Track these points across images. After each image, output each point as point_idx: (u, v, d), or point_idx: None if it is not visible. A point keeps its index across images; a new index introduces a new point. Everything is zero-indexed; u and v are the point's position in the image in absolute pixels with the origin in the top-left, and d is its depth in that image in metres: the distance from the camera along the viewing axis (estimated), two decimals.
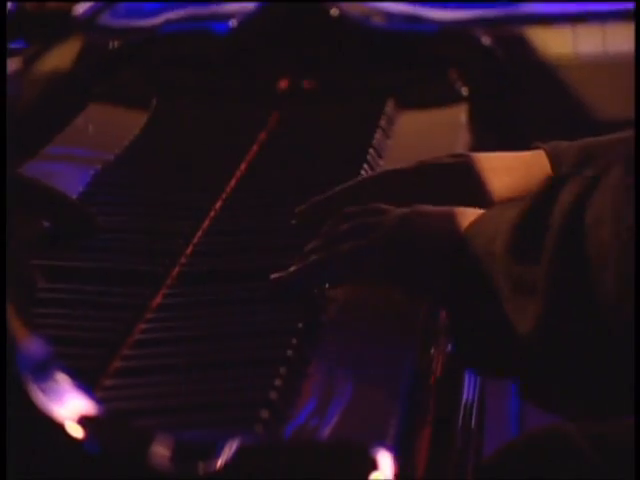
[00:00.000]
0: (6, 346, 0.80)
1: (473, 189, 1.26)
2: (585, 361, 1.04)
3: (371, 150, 1.47)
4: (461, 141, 1.53)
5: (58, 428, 0.82)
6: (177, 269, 1.21)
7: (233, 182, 1.40)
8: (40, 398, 0.82)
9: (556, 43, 1.87)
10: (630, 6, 1.87)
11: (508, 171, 1.27)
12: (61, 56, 1.42)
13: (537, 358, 1.05)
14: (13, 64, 0.85)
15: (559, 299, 1.02)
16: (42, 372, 0.84)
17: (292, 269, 1.15)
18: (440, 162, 1.29)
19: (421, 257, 1.14)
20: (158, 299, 1.15)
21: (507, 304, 1.06)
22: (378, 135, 1.52)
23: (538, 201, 1.08)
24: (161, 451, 0.83)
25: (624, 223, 1.00)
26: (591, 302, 1.01)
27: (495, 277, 1.07)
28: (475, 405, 1.14)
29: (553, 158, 1.26)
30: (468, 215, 1.14)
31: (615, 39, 1.88)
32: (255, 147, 1.49)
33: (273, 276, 1.15)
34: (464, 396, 1.12)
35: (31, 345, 0.84)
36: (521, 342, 1.04)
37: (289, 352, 1.03)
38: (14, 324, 0.82)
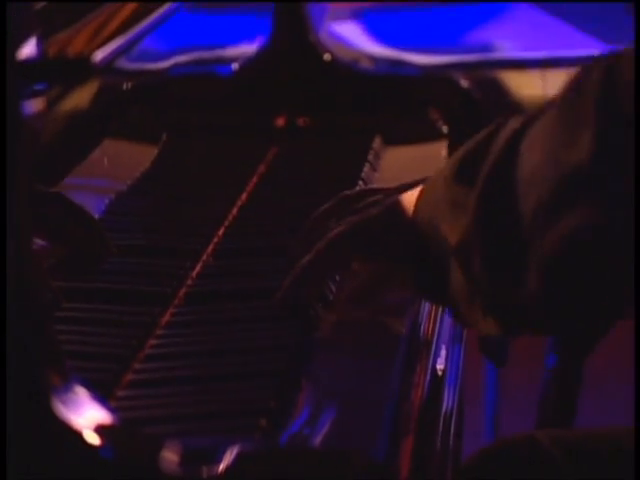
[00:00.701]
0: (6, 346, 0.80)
1: None
2: (503, 274, 1.02)
3: (360, 182, 1.47)
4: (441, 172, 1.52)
5: (76, 436, 0.82)
6: (184, 290, 1.20)
7: (235, 210, 1.40)
8: (60, 409, 0.82)
9: (527, 86, 1.88)
10: (595, 53, 1.87)
11: None
12: (80, 96, 1.43)
13: (462, 271, 1.05)
14: (37, 104, 0.85)
15: (486, 214, 1.02)
16: (62, 385, 0.83)
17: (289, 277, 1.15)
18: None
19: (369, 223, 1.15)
20: (166, 317, 1.15)
21: (443, 223, 1.06)
22: (366, 169, 1.52)
23: (482, 137, 1.09)
24: (170, 456, 0.83)
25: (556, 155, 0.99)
26: (514, 221, 1.00)
27: (439, 201, 1.08)
28: (454, 414, 1.14)
29: None
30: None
31: None
32: (255, 179, 1.50)
33: (277, 295, 1.14)
34: (444, 405, 1.11)
35: (53, 362, 0.84)
36: (450, 255, 1.05)
37: (285, 366, 1.03)
38: (36, 342, 0.82)
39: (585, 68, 1.03)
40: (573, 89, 1.02)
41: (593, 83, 0.99)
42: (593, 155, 0.96)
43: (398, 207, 1.14)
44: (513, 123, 1.06)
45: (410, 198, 1.13)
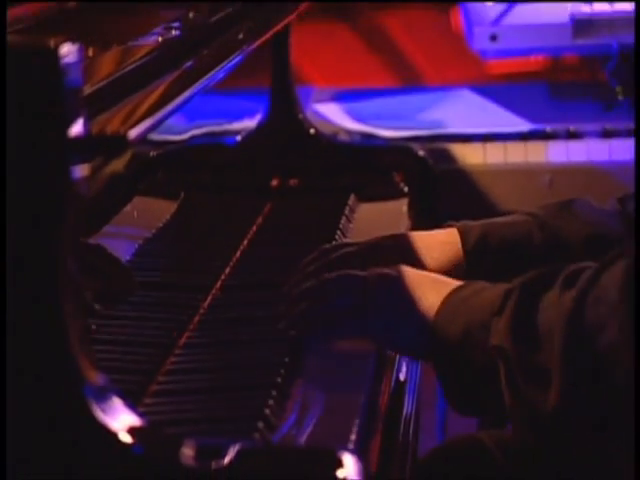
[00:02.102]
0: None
1: (413, 259, 1.22)
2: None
3: (338, 231, 1.46)
4: (402, 225, 1.52)
5: (113, 436, 0.83)
6: (197, 317, 1.20)
7: (238, 254, 1.39)
8: (100, 414, 0.83)
9: (470, 155, 1.89)
10: (525, 130, 1.89)
11: (435, 245, 1.25)
12: (117, 162, 1.44)
13: (557, 429, 0.95)
14: (83, 170, 0.85)
15: (575, 386, 0.92)
16: (101, 395, 0.84)
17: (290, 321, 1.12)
18: (386, 241, 1.27)
19: (400, 321, 1.07)
20: (183, 339, 1.14)
21: (519, 386, 0.95)
22: (343, 221, 1.51)
23: (525, 297, 0.98)
24: (187, 452, 0.83)
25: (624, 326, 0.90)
26: (601, 390, 0.92)
27: (502, 369, 0.97)
28: (412, 418, 1.13)
29: (463, 234, 1.25)
30: (445, 285, 1.06)
31: (514, 153, 1.89)
32: (254, 228, 1.49)
33: (280, 325, 1.13)
34: (404, 410, 1.11)
35: (94, 376, 0.84)
36: (544, 416, 0.94)
37: (278, 379, 1.03)
38: (82, 362, 0.82)
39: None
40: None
41: None
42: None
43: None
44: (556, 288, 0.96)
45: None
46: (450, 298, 1.04)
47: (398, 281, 1.08)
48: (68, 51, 0.81)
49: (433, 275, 1.10)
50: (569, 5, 1.96)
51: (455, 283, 1.06)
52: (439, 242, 1.25)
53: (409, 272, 1.09)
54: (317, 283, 1.12)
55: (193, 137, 1.68)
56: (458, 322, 1.01)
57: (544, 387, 0.93)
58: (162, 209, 1.53)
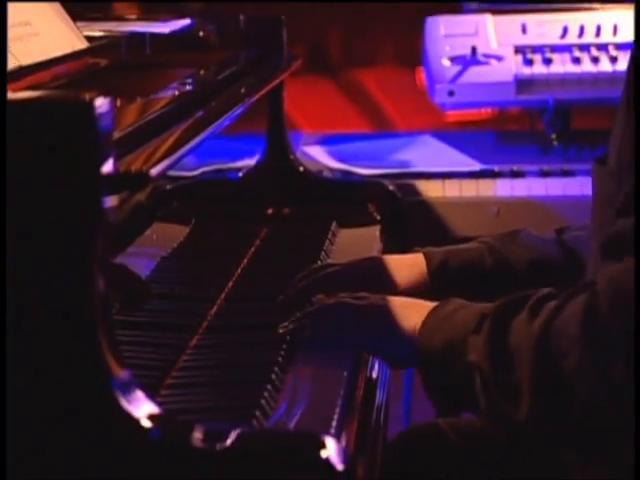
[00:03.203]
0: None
1: (386, 278, 1.23)
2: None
3: (322, 252, 1.46)
4: (375, 247, 1.51)
5: (135, 422, 0.82)
6: (205, 323, 1.19)
7: (239, 270, 1.38)
8: (125, 404, 0.82)
9: (432, 190, 1.88)
10: (476, 169, 1.89)
11: (404, 267, 1.25)
12: (140, 194, 1.43)
13: (529, 434, 0.95)
14: (112, 201, 0.85)
15: (542, 400, 0.92)
16: (126, 388, 0.83)
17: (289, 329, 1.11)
18: (364, 263, 1.27)
19: (389, 338, 1.06)
20: (194, 341, 1.14)
21: (493, 398, 0.94)
22: (327, 243, 1.50)
23: (498, 320, 0.96)
24: (196, 435, 0.82)
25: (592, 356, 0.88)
26: (565, 404, 0.91)
27: (478, 382, 0.96)
28: (383, 408, 1.12)
29: (427, 258, 1.25)
30: (425, 307, 1.05)
31: (467, 189, 1.89)
32: (253, 249, 1.48)
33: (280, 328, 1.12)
34: (377, 402, 1.10)
35: (120, 372, 0.84)
36: (516, 425, 0.93)
37: (272, 376, 1.02)
38: (110, 359, 0.82)
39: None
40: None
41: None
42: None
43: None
44: (525, 311, 0.94)
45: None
46: (431, 316, 1.03)
47: (385, 306, 1.08)
48: (101, 103, 0.81)
49: (414, 300, 1.09)
50: (513, 67, 1.97)
51: (433, 304, 1.06)
52: (408, 264, 1.25)
53: (393, 299, 1.09)
54: (320, 308, 1.12)
55: (203, 173, 1.67)
56: (439, 337, 1.01)
57: (516, 400, 0.92)
58: (176, 233, 1.51)
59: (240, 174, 1.67)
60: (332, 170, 1.90)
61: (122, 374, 0.83)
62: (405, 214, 1.65)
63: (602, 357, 0.87)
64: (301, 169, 1.66)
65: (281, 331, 1.12)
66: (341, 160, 2.00)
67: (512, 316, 0.95)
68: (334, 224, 1.59)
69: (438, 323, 1.02)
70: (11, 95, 0.84)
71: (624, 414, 0.88)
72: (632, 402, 0.87)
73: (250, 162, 1.67)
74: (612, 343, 0.87)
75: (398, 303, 1.08)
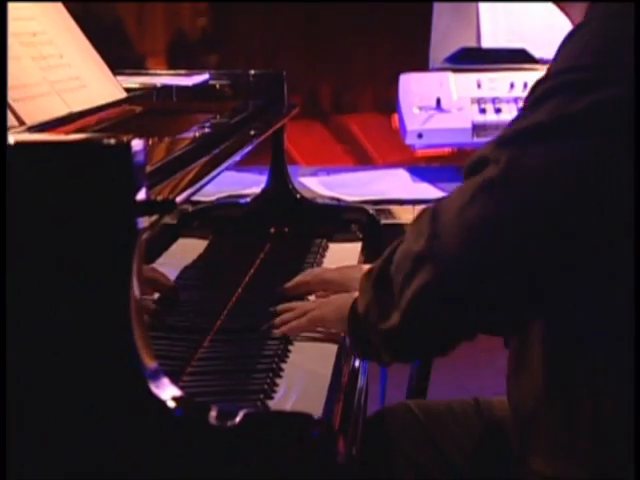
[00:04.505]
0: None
1: None
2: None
3: (315, 263, 1.46)
4: (357, 260, 1.52)
5: (162, 403, 0.82)
6: (219, 322, 1.17)
7: (247, 279, 1.37)
8: (154, 388, 0.82)
9: (404, 214, 1.88)
10: (440, 197, 1.87)
11: None
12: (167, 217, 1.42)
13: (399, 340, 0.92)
14: (145, 222, 0.85)
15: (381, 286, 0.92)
16: (155, 376, 0.83)
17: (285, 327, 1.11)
18: (348, 269, 1.27)
19: (339, 313, 1.05)
20: (209, 337, 1.13)
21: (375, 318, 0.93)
22: (318, 256, 1.50)
23: (387, 252, 0.97)
24: (212, 415, 0.82)
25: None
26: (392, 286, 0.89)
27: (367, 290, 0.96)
28: (363, 391, 1.12)
29: None
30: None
31: None
32: (258, 261, 1.47)
33: (278, 331, 1.11)
34: (358, 385, 1.09)
35: (150, 363, 0.83)
36: (389, 331, 0.91)
37: (273, 365, 1.02)
38: (142, 354, 0.82)
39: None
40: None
41: None
42: (426, 246, 0.86)
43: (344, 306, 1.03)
44: (394, 244, 0.96)
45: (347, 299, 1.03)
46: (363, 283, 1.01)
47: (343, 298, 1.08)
48: (136, 143, 0.81)
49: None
50: (470, 115, 1.98)
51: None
52: None
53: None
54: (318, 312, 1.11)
55: (219, 198, 1.66)
56: (366, 300, 0.97)
57: (387, 308, 0.90)
58: (197, 247, 1.51)
59: (248, 199, 1.66)
60: (323, 197, 1.89)
61: (152, 365, 0.83)
62: (382, 234, 1.65)
63: (426, 236, 0.85)
64: (298, 196, 1.65)
65: (280, 329, 1.11)
66: (330, 189, 1.99)
67: (387, 260, 0.94)
68: (324, 241, 1.59)
69: (367, 289, 0.98)
70: (65, 137, 0.84)
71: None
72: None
73: (257, 190, 1.66)
74: (434, 226, 0.86)
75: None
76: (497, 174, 0.83)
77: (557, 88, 0.82)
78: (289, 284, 1.24)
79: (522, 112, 0.86)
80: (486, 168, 0.85)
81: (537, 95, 0.84)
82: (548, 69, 0.87)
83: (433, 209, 0.90)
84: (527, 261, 0.82)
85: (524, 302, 0.85)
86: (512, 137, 0.85)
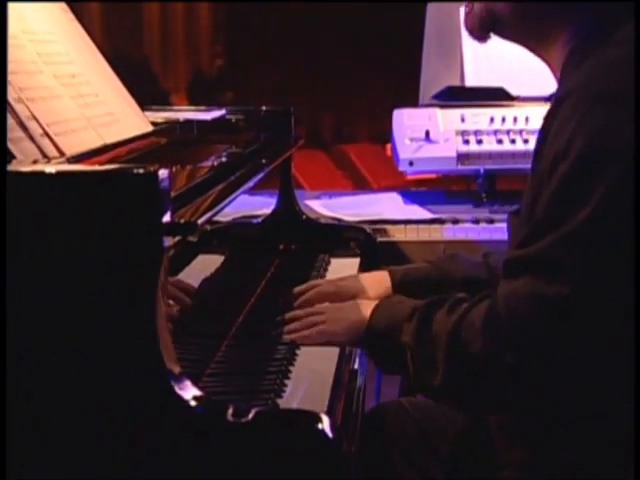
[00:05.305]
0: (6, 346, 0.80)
1: (362, 288, 1.24)
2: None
3: (318, 277, 1.45)
4: (356, 271, 1.50)
5: (185, 402, 0.82)
6: (234, 329, 1.17)
7: (259, 290, 1.37)
8: (177, 389, 0.82)
9: (397, 233, 1.88)
10: (429, 217, 1.88)
11: (376, 283, 1.26)
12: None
13: (442, 396, 0.96)
14: (169, 241, 0.85)
15: (452, 373, 0.93)
16: (178, 378, 0.83)
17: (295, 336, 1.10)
18: (347, 279, 1.28)
19: (350, 331, 1.07)
20: (226, 343, 1.12)
21: (417, 368, 0.95)
22: (321, 270, 1.50)
23: (425, 313, 0.97)
24: (228, 411, 0.82)
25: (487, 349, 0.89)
26: (469, 377, 0.92)
27: (408, 356, 0.97)
28: (362, 391, 1.12)
29: (391, 274, 1.26)
30: (368, 305, 1.07)
31: (422, 232, 1.88)
32: (269, 274, 1.47)
33: (288, 337, 1.11)
34: (357, 385, 1.09)
35: (174, 367, 0.83)
36: (433, 389, 0.94)
37: (282, 367, 1.02)
38: (167, 359, 0.82)
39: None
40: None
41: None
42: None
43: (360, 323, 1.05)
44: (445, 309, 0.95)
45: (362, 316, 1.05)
46: (378, 307, 1.04)
47: (350, 305, 1.10)
48: (162, 172, 0.82)
49: (369, 301, 1.10)
50: (455, 145, 1.99)
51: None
52: (377, 279, 1.27)
53: (358, 301, 1.11)
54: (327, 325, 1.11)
55: (234, 219, 1.66)
56: (382, 321, 1.02)
57: (434, 371, 0.93)
58: (214, 262, 1.49)
59: (260, 220, 1.66)
60: (326, 217, 1.89)
61: (175, 368, 0.83)
62: (378, 250, 1.64)
63: (496, 346, 0.88)
64: (304, 217, 1.65)
65: (287, 335, 1.11)
66: (332, 210, 1.99)
67: (435, 311, 0.96)
68: (327, 256, 1.58)
69: (382, 312, 1.04)
70: (99, 167, 0.85)
71: (511, 384, 0.88)
72: (518, 376, 0.87)
73: (267, 211, 1.66)
74: (505, 336, 0.88)
75: (358, 303, 1.09)
76: (568, 294, 0.84)
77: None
78: (290, 294, 1.23)
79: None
80: (547, 273, 0.85)
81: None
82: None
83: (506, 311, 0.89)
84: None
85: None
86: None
